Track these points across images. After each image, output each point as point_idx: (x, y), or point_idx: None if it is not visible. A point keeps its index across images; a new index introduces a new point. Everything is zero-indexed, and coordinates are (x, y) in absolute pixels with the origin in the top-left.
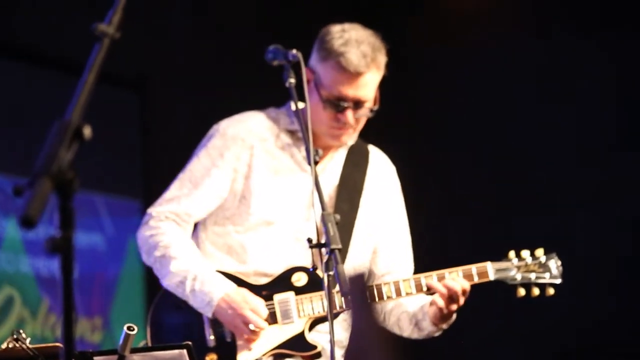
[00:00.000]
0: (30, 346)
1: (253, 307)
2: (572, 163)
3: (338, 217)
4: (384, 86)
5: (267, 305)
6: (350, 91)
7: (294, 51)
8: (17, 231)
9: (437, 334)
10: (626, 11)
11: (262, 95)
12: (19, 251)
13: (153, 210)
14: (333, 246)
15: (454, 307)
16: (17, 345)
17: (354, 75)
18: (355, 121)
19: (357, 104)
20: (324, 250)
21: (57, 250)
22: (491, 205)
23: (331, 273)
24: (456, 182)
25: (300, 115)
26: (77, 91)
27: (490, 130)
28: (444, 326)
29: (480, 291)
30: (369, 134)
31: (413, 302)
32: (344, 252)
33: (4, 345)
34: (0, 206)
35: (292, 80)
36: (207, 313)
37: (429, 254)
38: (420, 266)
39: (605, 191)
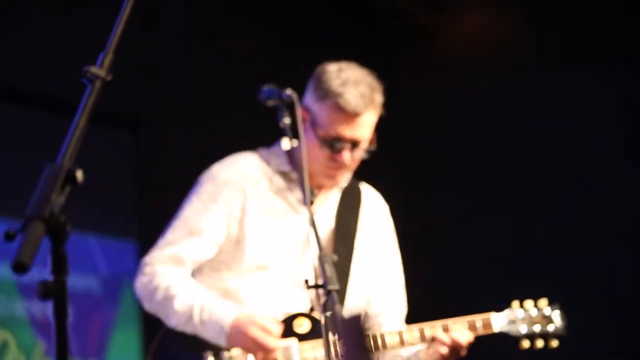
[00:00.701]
0: None
1: (260, 325)
2: (575, 205)
3: (335, 257)
4: (380, 123)
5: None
6: (347, 131)
7: (289, 91)
8: (11, 274)
9: None
10: (625, 42)
11: (256, 135)
12: (13, 294)
13: (148, 257)
14: (330, 287)
15: (455, 358)
16: None
17: (352, 116)
18: (351, 161)
19: (354, 144)
20: (321, 291)
21: (50, 295)
22: (491, 248)
23: (329, 314)
24: (453, 224)
25: (295, 154)
26: (68, 134)
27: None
28: None
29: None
30: (361, 171)
31: (407, 348)
32: (342, 294)
33: None
34: None
35: (287, 121)
36: (222, 341)
37: (426, 299)
38: (417, 312)
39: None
